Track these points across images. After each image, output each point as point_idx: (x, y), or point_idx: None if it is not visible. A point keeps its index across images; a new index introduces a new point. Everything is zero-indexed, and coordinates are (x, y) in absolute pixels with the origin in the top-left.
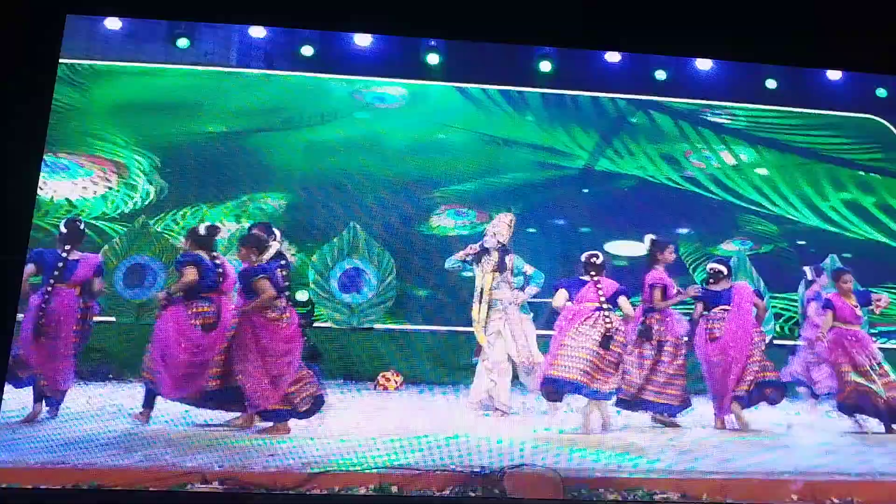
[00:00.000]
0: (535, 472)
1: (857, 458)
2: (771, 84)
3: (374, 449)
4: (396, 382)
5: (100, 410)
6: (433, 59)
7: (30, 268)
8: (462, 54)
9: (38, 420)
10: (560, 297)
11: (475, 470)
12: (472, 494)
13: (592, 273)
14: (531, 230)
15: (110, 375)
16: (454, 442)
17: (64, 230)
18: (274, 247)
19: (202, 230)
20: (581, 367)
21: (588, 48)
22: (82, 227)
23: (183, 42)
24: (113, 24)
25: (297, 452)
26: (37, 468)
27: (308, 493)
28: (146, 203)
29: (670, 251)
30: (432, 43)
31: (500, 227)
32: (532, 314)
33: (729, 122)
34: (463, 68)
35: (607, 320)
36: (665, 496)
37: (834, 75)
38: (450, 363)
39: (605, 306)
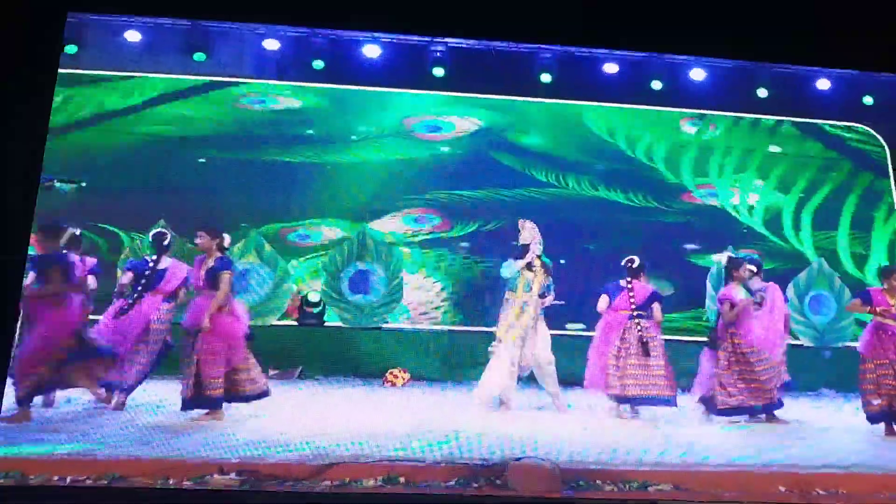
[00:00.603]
0: (536, 465)
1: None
2: (762, 93)
3: (382, 442)
4: (404, 379)
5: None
6: (438, 70)
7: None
8: (466, 65)
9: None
10: (602, 302)
11: (478, 462)
12: (476, 486)
13: (628, 278)
14: None
15: None
16: (458, 436)
17: (65, 238)
18: (67, 233)
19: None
20: (643, 382)
21: (587, 46)
22: (78, 233)
23: (199, 55)
24: (133, 36)
25: (310, 444)
26: (64, 460)
27: (319, 483)
28: None
29: (744, 269)
30: (438, 55)
31: (537, 234)
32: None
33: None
34: (467, 79)
35: (639, 328)
36: (659, 488)
37: (823, 84)
38: (454, 361)
39: (636, 314)
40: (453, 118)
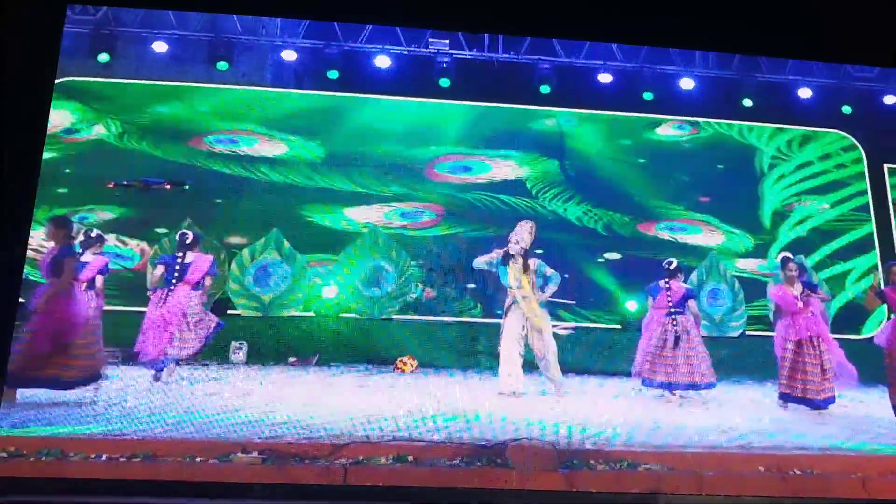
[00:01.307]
0: (534, 445)
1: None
2: (747, 102)
3: (392, 424)
4: (412, 366)
5: (152, 389)
6: (445, 80)
7: None
8: (470, 76)
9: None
10: (648, 303)
11: (481, 443)
12: (479, 464)
13: (666, 279)
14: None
15: None
16: (463, 418)
17: (82, 237)
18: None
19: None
20: (681, 371)
21: (583, 39)
22: (94, 234)
23: (222, 64)
24: (160, 47)
25: (327, 426)
26: (100, 439)
27: (335, 461)
28: None
29: (791, 269)
30: (444, 66)
31: (522, 234)
32: (547, 310)
33: None
34: (471, 89)
35: (675, 323)
36: (648, 467)
37: (804, 93)
38: (459, 350)
39: (673, 310)
40: (491, 160)
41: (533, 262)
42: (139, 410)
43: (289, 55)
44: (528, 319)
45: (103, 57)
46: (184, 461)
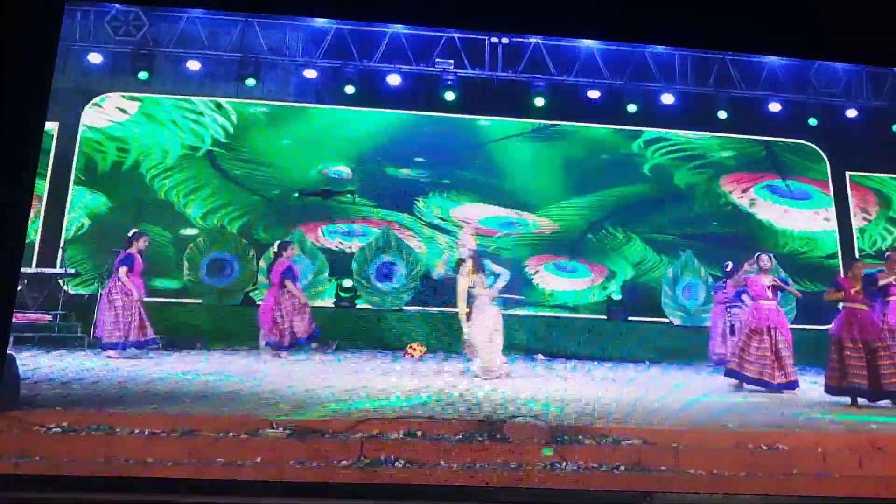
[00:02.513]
0: (528, 422)
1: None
2: (722, 115)
3: (403, 403)
4: (420, 352)
5: (190, 372)
6: (450, 94)
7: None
8: (473, 92)
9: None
10: (713, 298)
11: (481, 419)
12: (479, 439)
13: (724, 279)
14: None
15: (198, 345)
16: (464, 397)
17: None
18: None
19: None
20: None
21: (577, 36)
22: (130, 235)
23: (251, 81)
24: (193, 65)
25: (345, 404)
26: (143, 416)
27: (352, 436)
28: None
29: (762, 260)
30: (449, 82)
31: (466, 238)
32: (502, 307)
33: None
34: (473, 103)
35: (730, 315)
36: (630, 442)
37: (774, 107)
38: (462, 337)
39: (729, 304)
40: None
41: (481, 262)
42: (178, 391)
43: (310, 73)
44: (473, 312)
45: (143, 74)
46: (219, 436)
